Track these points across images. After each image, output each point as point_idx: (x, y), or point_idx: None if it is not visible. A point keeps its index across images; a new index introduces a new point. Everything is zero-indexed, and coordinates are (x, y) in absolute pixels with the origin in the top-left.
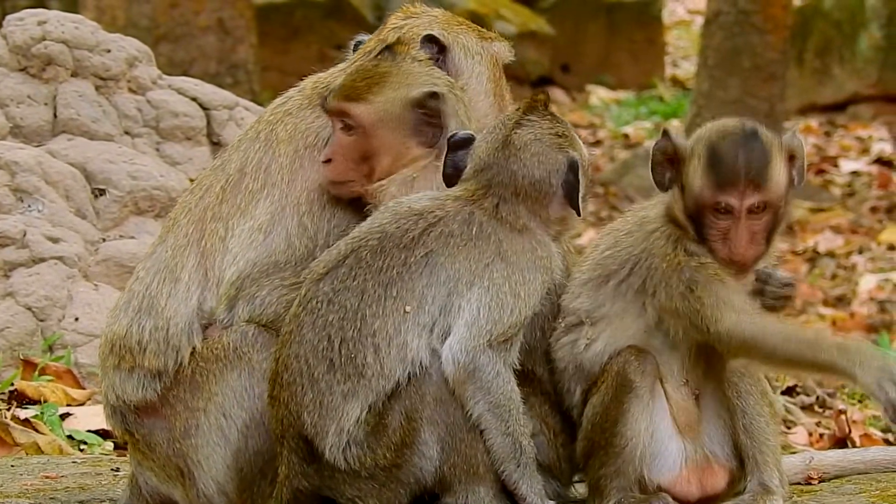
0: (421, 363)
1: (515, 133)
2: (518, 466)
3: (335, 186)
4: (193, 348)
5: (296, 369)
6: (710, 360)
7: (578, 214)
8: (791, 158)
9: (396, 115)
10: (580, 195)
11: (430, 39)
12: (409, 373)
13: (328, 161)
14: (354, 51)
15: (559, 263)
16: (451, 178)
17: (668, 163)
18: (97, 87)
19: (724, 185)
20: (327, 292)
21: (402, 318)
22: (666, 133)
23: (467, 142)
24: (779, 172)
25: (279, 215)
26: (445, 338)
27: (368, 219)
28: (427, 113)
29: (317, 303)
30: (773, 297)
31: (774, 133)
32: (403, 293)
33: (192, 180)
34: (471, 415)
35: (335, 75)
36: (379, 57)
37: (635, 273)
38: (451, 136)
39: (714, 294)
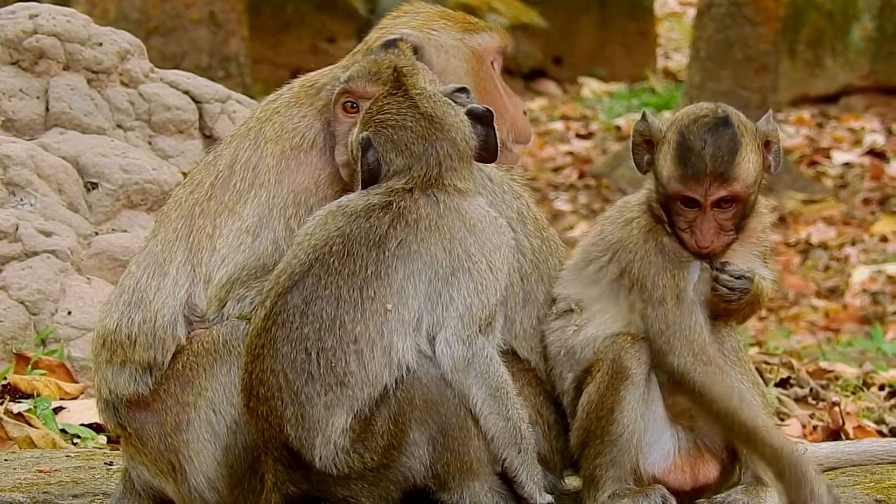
0: (407, 367)
1: (425, 107)
2: (519, 452)
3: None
4: (182, 342)
5: (273, 384)
6: None
7: (498, 153)
8: (767, 144)
9: None
10: (496, 135)
11: (391, 43)
12: (396, 377)
13: None
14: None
15: (503, 219)
16: (370, 183)
17: (647, 145)
18: (89, 81)
19: (689, 180)
20: (298, 304)
21: (384, 319)
22: (644, 115)
23: (370, 142)
24: (749, 163)
25: (266, 217)
26: (434, 332)
27: (311, 224)
28: None
29: (287, 316)
30: (727, 290)
31: (748, 120)
32: (381, 291)
33: (184, 174)
34: (474, 402)
35: (324, 74)
36: (390, 52)
37: (614, 262)
38: (360, 142)
39: (679, 324)
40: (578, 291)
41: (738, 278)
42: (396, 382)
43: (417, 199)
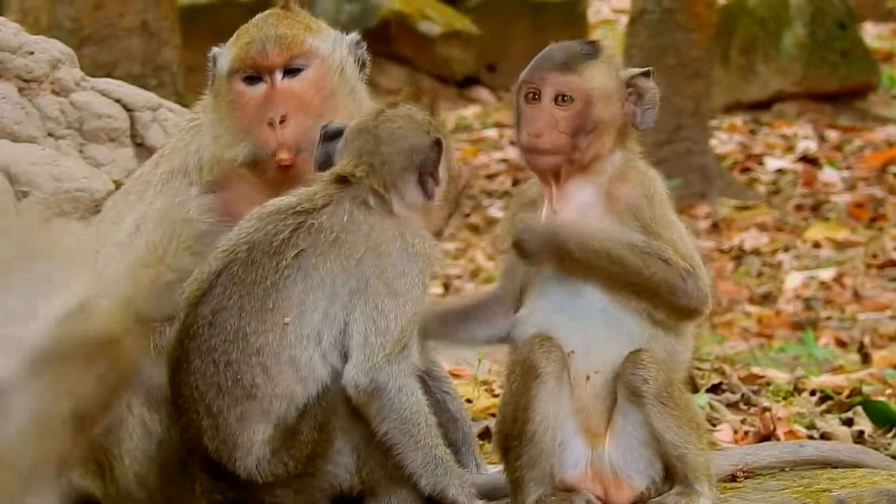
0: (325, 377)
1: (389, 112)
2: (434, 477)
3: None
4: None
5: (188, 396)
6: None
7: (430, 198)
8: (639, 95)
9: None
10: (435, 179)
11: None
12: (317, 389)
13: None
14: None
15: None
16: (323, 169)
17: None
18: (20, 89)
19: (536, 67)
20: (206, 315)
21: (283, 332)
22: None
23: (340, 133)
24: (596, 75)
25: (135, 234)
26: (338, 351)
27: (237, 227)
28: None
29: (198, 328)
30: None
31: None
32: (280, 303)
33: (116, 182)
34: (383, 433)
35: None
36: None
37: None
38: (324, 127)
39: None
40: (512, 289)
41: (524, 228)
42: (319, 393)
43: (325, 205)
